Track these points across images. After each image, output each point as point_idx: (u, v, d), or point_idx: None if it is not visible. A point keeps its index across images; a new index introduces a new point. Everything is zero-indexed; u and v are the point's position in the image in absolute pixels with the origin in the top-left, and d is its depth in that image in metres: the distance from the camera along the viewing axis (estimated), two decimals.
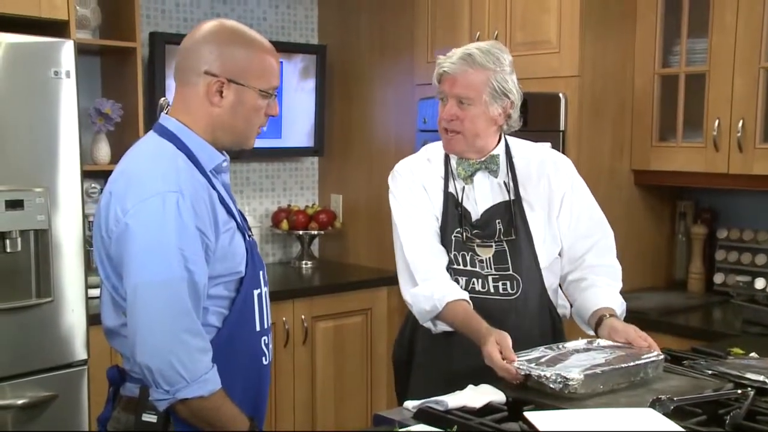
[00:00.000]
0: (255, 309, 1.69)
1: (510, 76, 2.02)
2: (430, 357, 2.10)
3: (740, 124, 2.74)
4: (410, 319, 2.15)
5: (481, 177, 2.08)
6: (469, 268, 2.05)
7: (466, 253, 2.05)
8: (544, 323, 2.09)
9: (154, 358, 1.51)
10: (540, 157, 2.14)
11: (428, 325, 2.03)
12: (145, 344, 1.52)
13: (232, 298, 1.65)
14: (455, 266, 2.05)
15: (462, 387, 1.69)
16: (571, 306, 2.12)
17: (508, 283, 2.04)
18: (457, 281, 2.04)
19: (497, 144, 2.09)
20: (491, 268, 2.04)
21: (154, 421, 1.57)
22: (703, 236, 3.14)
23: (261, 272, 1.73)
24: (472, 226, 2.06)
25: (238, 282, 1.65)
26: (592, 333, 2.00)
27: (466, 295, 1.99)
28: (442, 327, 2.02)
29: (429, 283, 2.00)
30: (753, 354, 2.01)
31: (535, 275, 2.06)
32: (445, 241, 2.06)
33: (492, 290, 2.04)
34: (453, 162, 2.10)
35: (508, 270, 2.04)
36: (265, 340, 1.72)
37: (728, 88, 2.78)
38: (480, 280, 2.04)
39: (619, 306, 2.03)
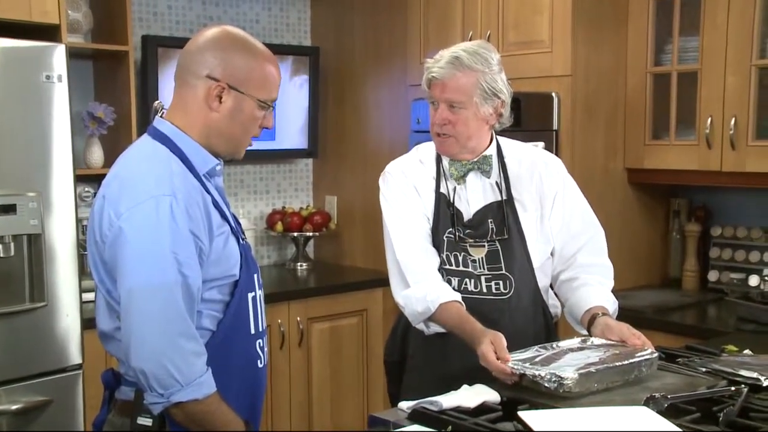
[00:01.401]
0: (249, 312, 1.69)
1: (499, 75, 2.02)
2: (423, 358, 2.10)
3: (732, 121, 2.75)
4: (402, 320, 2.15)
5: (473, 177, 2.09)
6: (461, 268, 2.05)
7: (458, 254, 2.05)
8: (537, 322, 2.09)
9: (148, 362, 1.51)
10: (531, 157, 2.14)
11: (421, 326, 2.03)
12: (140, 348, 1.52)
13: (227, 302, 1.65)
14: (447, 266, 2.05)
15: (456, 387, 1.69)
16: (563, 306, 2.13)
17: (500, 282, 2.04)
18: (450, 282, 2.04)
19: (489, 144, 2.10)
20: (484, 268, 2.04)
21: (150, 424, 1.57)
22: (697, 234, 3.14)
23: (255, 275, 1.72)
24: (465, 226, 2.06)
25: (233, 285, 1.65)
26: (584, 332, 2.00)
27: (458, 297, 1.99)
28: (435, 328, 2.02)
29: (421, 285, 2.00)
30: (747, 351, 2.01)
31: (528, 275, 2.06)
32: (437, 241, 2.06)
33: (485, 290, 2.04)
34: (445, 162, 2.10)
35: (501, 270, 2.04)
36: (260, 343, 1.72)
37: (720, 86, 2.79)
38: (472, 280, 2.04)
39: (612, 304, 2.03)
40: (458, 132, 2.02)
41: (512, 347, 1.79)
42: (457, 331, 1.93)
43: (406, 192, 2.08)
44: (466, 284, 2.04)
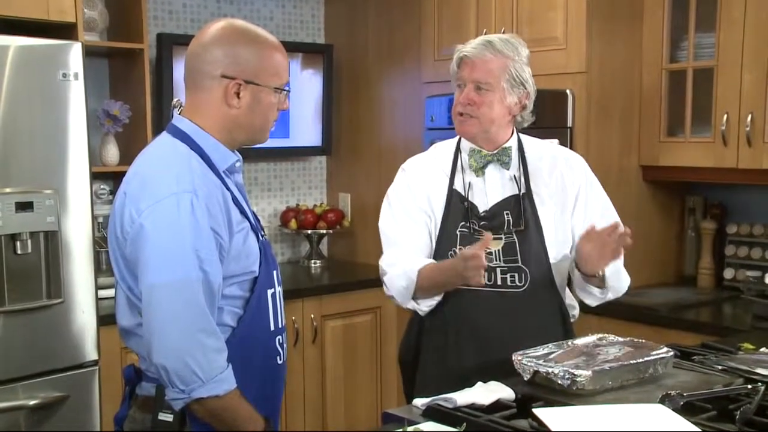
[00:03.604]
0: (269, 308, 1.70)
1: (527, 67, 2.04)
2: (437, 355, 2.09)
3: (749, 118, 2.73)
4: (416, 320, 2.15)
5: (492, 170, 2.08)
6: None
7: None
8: (553, 318, 2.08)
9: (169, 358, 1.52)
10: (551, 152, 2.14)
11: (412, 305, 2.05)
12: (161, 344, 1.53)
13: (247, 298, 1.66)
14: None
15: (471, 384, 1.69)
16: (579, 304, 2.12)
17: (516, 275, 2.03)
18: None
19: (510, 137, 2.10)
20: (500, 260, 2.04)
21: (171, 420, 1.58)
22: (713, 231, 3.13)
23: (275, 272, 1.74)
24: (480, 219, 2.05)
25: (252, 282, 1.66)
26: (594, 290, 2.03)
27: (433, 261, 2.02)
28: (425, 303, 2.03)
29: (397, 265, 2.05)
30: (763, 349, 1.99)
31: (544, 268, 2.05)
32: (448, 236, 2.06)
33: (500, 282, 2.04)
34: (464, 155, 2.10)
35: (517, 262, 2.03)
36: (279, 339, 1.73)
37: (737, 82, 2.77)
38: (488, 273, 2.04)
39: (618, 274, 2.04)
40: (481, 113, 2.02)
41: (527, 341, 1.79)
42: (441, 277, 1.97)
43: (413, 189, 2.10)
44: None
